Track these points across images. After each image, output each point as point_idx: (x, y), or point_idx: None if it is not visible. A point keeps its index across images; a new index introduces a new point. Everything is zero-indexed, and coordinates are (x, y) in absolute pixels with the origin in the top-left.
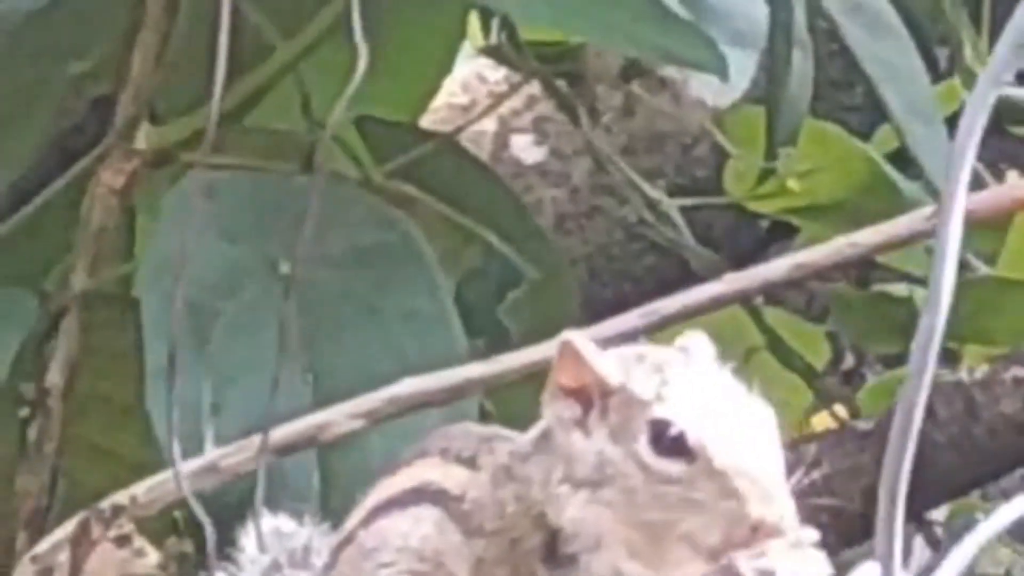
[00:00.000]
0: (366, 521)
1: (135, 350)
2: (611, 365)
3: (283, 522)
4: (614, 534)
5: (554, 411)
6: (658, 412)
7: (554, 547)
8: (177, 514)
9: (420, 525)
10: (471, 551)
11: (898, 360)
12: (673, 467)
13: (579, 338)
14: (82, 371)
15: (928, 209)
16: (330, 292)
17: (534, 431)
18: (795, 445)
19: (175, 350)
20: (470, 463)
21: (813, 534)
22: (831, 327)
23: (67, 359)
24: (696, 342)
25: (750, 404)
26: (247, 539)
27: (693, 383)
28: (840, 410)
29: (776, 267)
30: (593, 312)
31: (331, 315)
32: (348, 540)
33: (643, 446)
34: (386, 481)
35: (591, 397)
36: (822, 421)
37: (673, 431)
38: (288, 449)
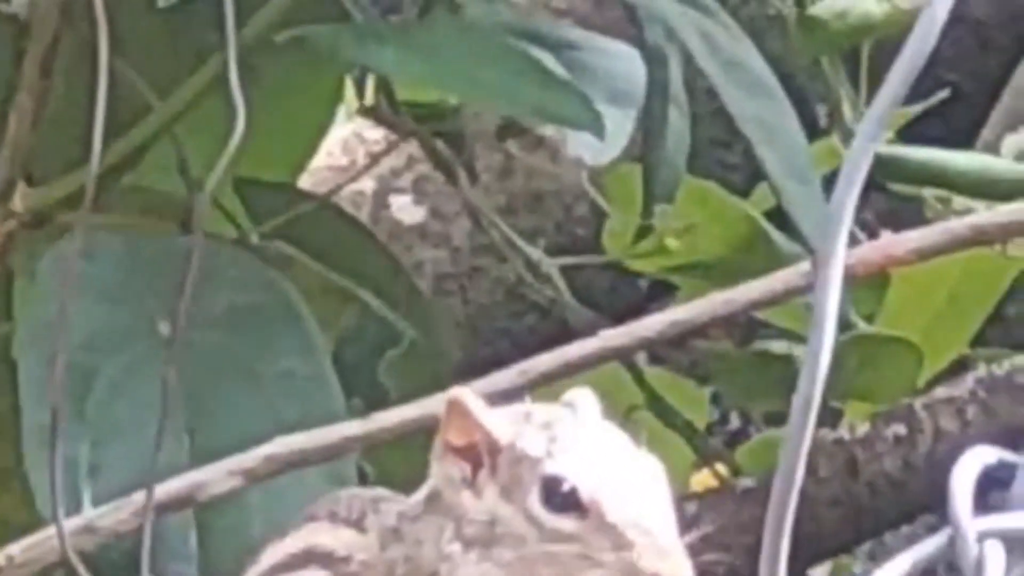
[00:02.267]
0: None
1: (12, 412)
2: (500, 422)
3: None
4: None
5: (442, 470)
6: (549, 468)
7: None
8: None
9: None
10: None
11: (782, 419)
12: (566, 523)
13: (467, 395)
14: None
15: (805, 264)
16: (207, 353)
17: (423, 491)
18: (675, 503)
19: (56, 411)
20: (357, 525)
21: None
22: (716, 387)
23: None
24: (582, 398)
25: (640, 458)
26: None
27: (583, 438)
28: (721, 469)
29: (652, 323)
30: (474, 372)
31: (209, 376)
32: None
33: (535, 503)
34: (273, 546)
35: (480, 455)
36: (702, 481)
37: (565, 487)
38: (166, 508)
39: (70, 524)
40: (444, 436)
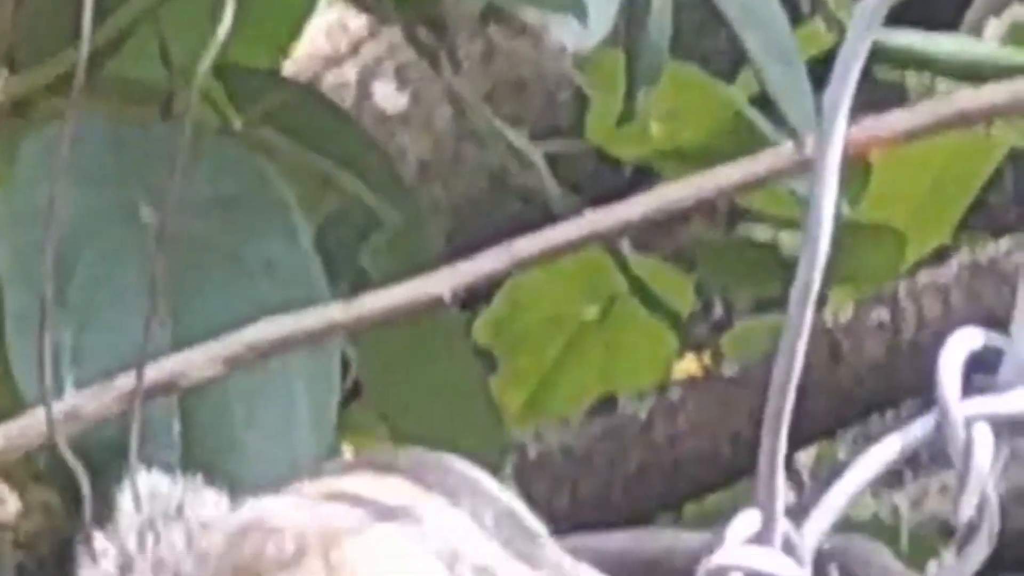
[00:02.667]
0: None
1: None
2: None
3: (158, 481)
4: None
5: None
6: None
7: None
8: (41, 466)
9: None
10: None
11: (766, 308)
12: None
13: None
14: None
15: (789, 145)
16: (190, 240)
17: None
18: (660, 390)
19: (39, 296)
20: None
21: None
22: (700, 275)
23: None
24: None
25: None
26: (122, 498)
27: None
28: (705, 358)
29: (636, 206)
30: (457, 259)
31: (191, 263)
32: None
33: None
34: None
35: None
36: (685, 369)
37: None
38: (148, 394)
39: (53, 409)
40: None
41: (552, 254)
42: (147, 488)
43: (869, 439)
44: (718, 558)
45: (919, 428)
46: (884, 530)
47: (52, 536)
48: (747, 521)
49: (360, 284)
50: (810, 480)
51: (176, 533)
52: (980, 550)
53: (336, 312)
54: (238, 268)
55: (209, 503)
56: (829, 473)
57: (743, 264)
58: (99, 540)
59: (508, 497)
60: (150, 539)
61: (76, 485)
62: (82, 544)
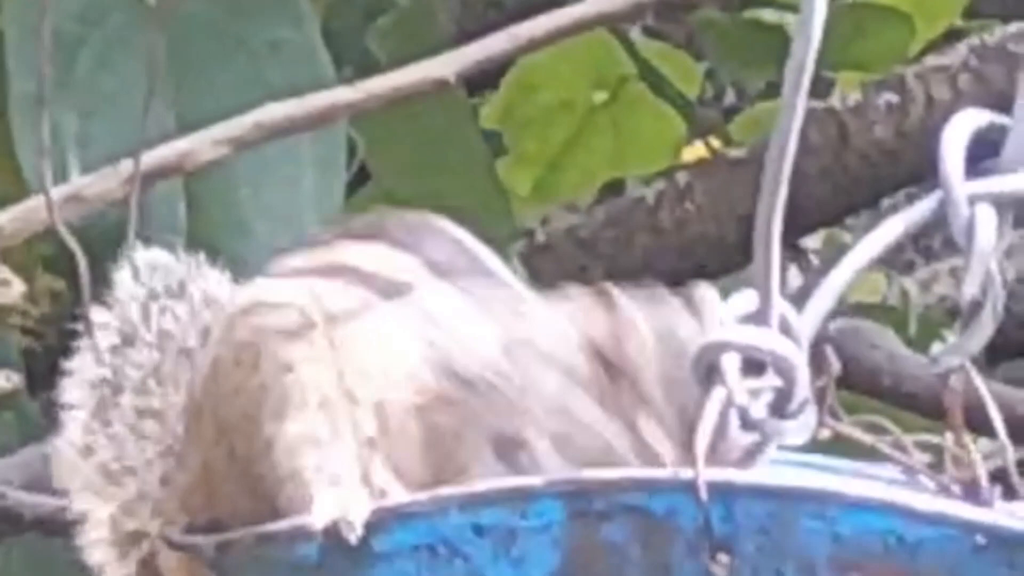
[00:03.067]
0: None
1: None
2: None
3: (157, 255)
4: None
5: None
6: None
7: None
8: (49, 253)
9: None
10: None
11: (778, 93)
12: None
13: None
14: None
15: None
16: (196, 23)
17: None
18: (667, 174)
19: (42, 79)
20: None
21: None
22: (711, 63)
23: None
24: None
25: None
26: (121, 274)
27: None
28: (714, 142)
29: None
30: (464, 42)
31: (197, 46)
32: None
33: None
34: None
35: None
36: (694, 153)
37: None
38: (154, 176)
39: (58, 193)
40: None
41: (558, 35)
42: (147, 262)
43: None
44: (713, 335)
45: (921, 209)
46: (892, 313)
47: (59, 322)
48: (744, 301)
49: (367, 67)
50: (818, 263)
51: (180, 307)
52: (985, 328)
53: (342, 94)
54: (242, 51)
55: (212, 280)
56: (833, 255)
57: (751, 47)
58: (99, 313)
59: (488, 255)
60: (154, 311)
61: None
62: (82, 320)
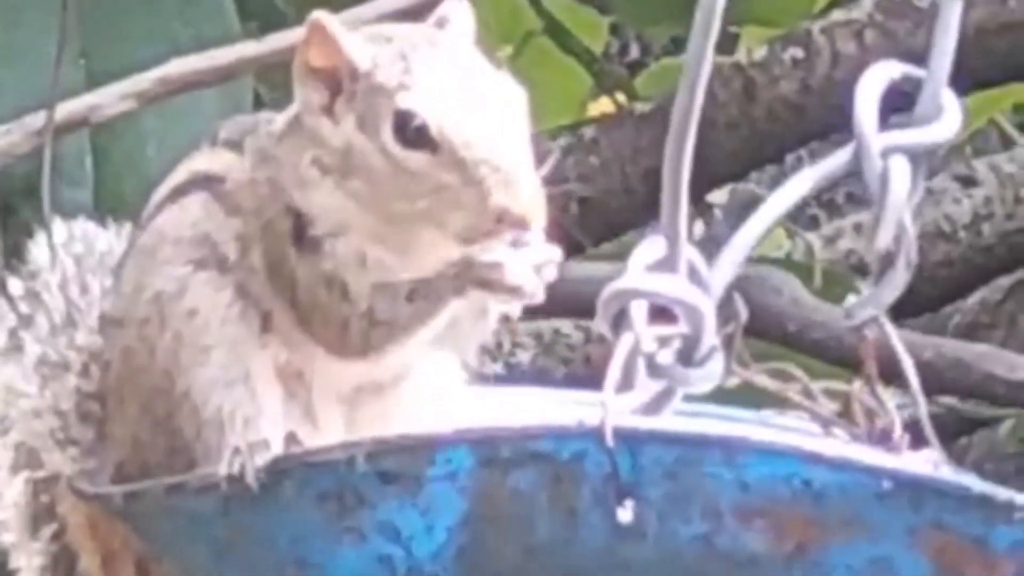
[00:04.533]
0: (144, 223)
1: None
2: (359, 48)
3: (77, 227)
4: (359, 222)
5: (303, 94)
6: (401, 102)
7: (302, 230)
8: None
9: (188, 211)
10: (233, 228)
11: (682, 48)
12: (416, 158)
13: (329, 19)
14: None
15: None
16: None
17: (289, 112)
18: (573, 128)
19: None
20: (236, 147)
21: (556, 252)
22: (616, 18)
23: None
24: (456, 12)
25: (499, 88)
26: (38, 249)
27: (439, 69)
28: (620, 98)
29: None
30: None
31: (104, 1)
32: (132, 244)
33: (387, 136)
34: (165, 181)
35: (340, 81)
36: (600, 107)
37: (416, 122)
38: (61, 130)
39: None
40: (304, 57)
41: None
42: (65, 236)
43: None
44: (621, 283)
45: (834, 161)
46: (797, 268)
47: None
48: (652, 248)
49: (273, 22)
50: (724, 217)
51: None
52: (898, 280)
53: (248, 48)
54: (151, 5)
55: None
56: (743, 207)
57: (656, 2)
58: (14, 285)
59: None
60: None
61: None
62: None
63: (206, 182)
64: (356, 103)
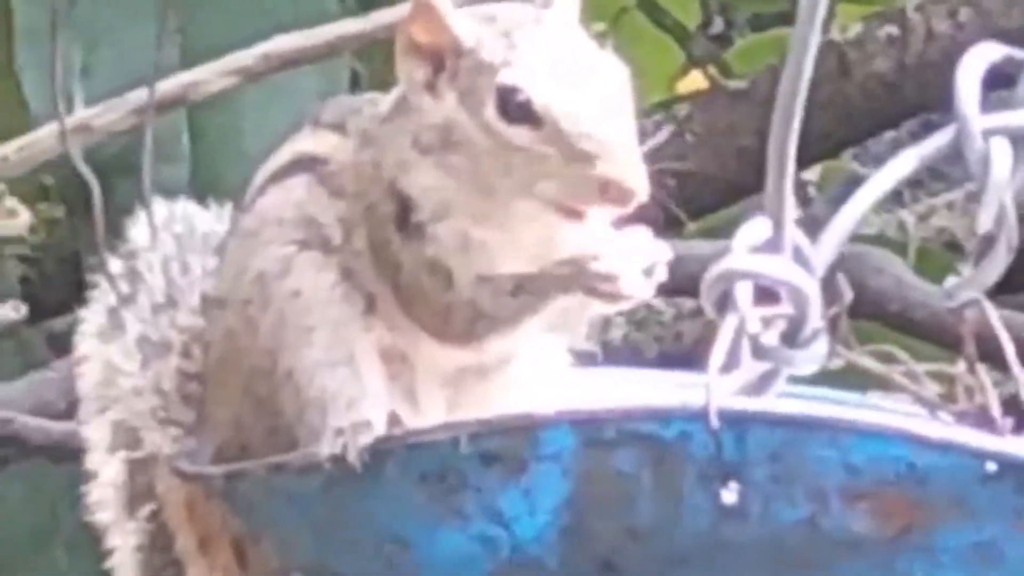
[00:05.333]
0: (247, 205)
1: (3, 13)
2: (465, 24)
3: (178, 208)
4: (461, 201)
5: (406, 70)
6: (505, 77)
7: (406, 215)
8: (47, 182)
9: (292, 193)
10: (336, 211)
11: (765, 24)
12: (520, 134)
13: None
14: None
15: None
16: None
17: (393, 93)
18: (667, 105)
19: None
20: (340, 129)
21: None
22: None
23: None
24: None
25: (604, 66)
26: (138, 228)
27: (544, 46)
28: (711, 72)
29: None
30: None
31: None
32: (235, 226)
33: (490, 112)
34: (266, 163)
35: (443, 57)
36: (691, 83)
37: (519, 97)
38: (160, 108)
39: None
40: (408, 33)
41: None
42: (168, 214)
43: (869, 158)
44: (726, 263)
45: (935, 142)
46: (891, 245)
47: (57, 251)
48: (756, 229)
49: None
50: (817, 194)
51: (206, 261)
52: (998, 262)
53: (348, 26)
54: None
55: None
56: (845, 186)
57: None
58: (114, 264)
59: None
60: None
61: (83, 202)
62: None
63: (310, 164)
64: (459, 80)
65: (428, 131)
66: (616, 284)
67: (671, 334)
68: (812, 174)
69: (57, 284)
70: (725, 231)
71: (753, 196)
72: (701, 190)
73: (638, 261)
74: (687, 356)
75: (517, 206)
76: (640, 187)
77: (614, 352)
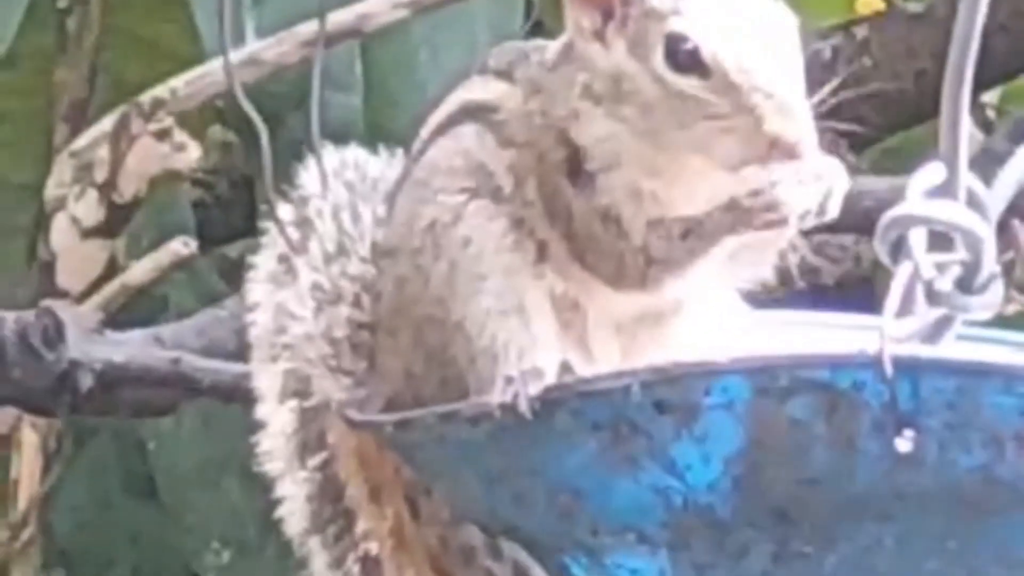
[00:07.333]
0: (417, 155)
1: None
2: None
3: (349, 154)
4: (632, 151)
5: (575, 18)
6: (674, 25)
7: (576, 163)
8: (221, 105)
9: (461, 142)
10: (507, 159)
11: None
12: (688, 82)
13: None
14: None
15: None
16: None
17: (560, 41)
18: (845, 28)
19: None
20: (508, 76)
21: (834, 165)
22: None
23: None
24: None
25: (773, 15)
26: (309, 174)
27: None
28: None
29: None
30: None
31: None
32: (405, 175)
33: (659, 60)
34: (435, 112)
35: (612, 5)
36: (869, 3)
37: (688, 45)
38: (332, 40)
39: (234, 57)
40: None
41: None
42: (336, 163)
43: None
44: (901, 208)
45: None
46: None
47: (229, 174)
48: (931, 174)
49: None
50: (997, 117)
51: (374, 209)
52: None
53: None
54: None
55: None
56: (1021, 126)
57: None
58: (284, 210)
59: None
60: (346, 217)
61: (253, 127)
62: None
63: (479, 112)
64: (628, 28)
65: (598, 80)
66: (781, 211)
67: (850, 256)
68: (992, 95)
69: (231, 208)
70: (907, 153)
71: (933, 120)
72: (882, 112)
73: (812, 188)
74: (866, 280)
75: (687, 158)
76: (807, 141)
77: (791, 279)
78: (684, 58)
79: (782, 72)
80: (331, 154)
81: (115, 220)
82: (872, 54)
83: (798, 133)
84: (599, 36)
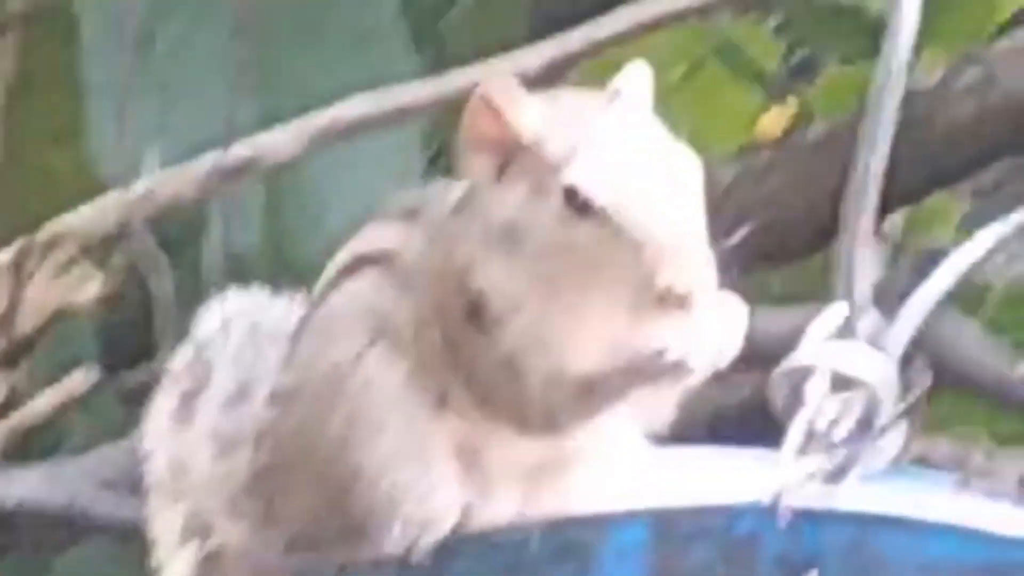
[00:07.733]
0: (319, 299)
1: (74, 70)
2: (528, 116)
3: (250, 295)
4: (530, 297)
5: (472, 164)
6: (569, 175)
7: (478, 309)
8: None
9: (363, 286)
10: (407, 305)
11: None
12: (584, 230)
13: (498, 88)
14: (20, 91)
15: None
16: (274, 13)
17: (462, 184)
18: (745, 153)
19: (119, 68)
20: (411, 219)
21: (733, 305)
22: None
23: (4, 79)
24: (632, 81)
25: (673, 158)
26: (210, 315)
27: (610, 138)
28: (791, 107)
29: None
30: (541, 36)
31: (275, 37)
32: (307, 318)
33: (555, 207)
34: (339, 253)
35: (509, 151)
36: (772, 121)
37: (583, 195)
38: (232, 174)
39: (134, 191)
40: (473, 128)
41: (638, 31)
42: (235, 308)
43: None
44: (799, 357)
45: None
46: (971, 287)
47: (132, 296)
48: (831, 315)
49: (443, 54)
50: (902, 237)
51: (272, 352)
52: None
53: (421, 90)
54: (322, 41)
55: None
56: (926, 259)
57: (831, 26)
58: (183, 354)
59: None
60: (247, 358)
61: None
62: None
63: (381, 258)
64: (525, 174)
65: (497, 226)
66: (679, 370)
67: (751, 384)
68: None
69: (136, 330)
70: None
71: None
72: (783, 239)
73: (707, 340)
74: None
75: (584, 307)
76: (705, 288)
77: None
78: (580, 205)
79: (680, 217)
80: (232, 297)
81: (14, 352)
82: (769, 182)
83: (690, 283)
84: (497, 182)
